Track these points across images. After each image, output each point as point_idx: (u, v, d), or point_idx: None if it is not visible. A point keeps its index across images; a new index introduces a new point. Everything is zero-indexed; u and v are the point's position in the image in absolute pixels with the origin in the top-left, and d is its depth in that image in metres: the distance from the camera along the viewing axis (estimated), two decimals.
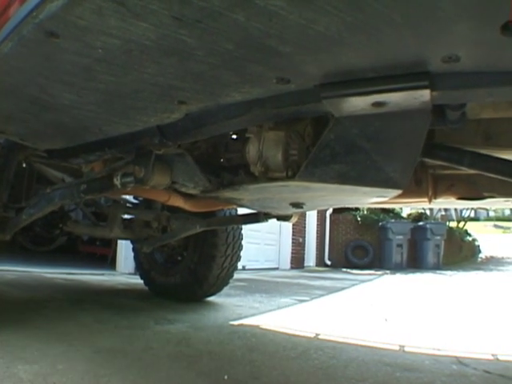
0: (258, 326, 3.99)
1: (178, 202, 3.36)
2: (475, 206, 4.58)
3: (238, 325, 4.03)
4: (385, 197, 2.38)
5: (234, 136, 2.80)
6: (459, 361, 3.06)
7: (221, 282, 5.06)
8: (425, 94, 1.74)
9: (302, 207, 2.74)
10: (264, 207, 3.16)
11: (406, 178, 2.10)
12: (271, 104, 1.98)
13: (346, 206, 3.55)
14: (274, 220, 3.64)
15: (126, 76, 1.79)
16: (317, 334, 3.70)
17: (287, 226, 14.49)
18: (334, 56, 1.59)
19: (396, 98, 1.80)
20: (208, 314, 4.47)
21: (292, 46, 1.50)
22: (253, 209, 3.37)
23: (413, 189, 3.03)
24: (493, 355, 3.27)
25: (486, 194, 3.36)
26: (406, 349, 3.37)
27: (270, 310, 4.99)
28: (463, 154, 2.59)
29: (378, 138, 2.02)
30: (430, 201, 3.28)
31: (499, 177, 2.64)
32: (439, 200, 3.45)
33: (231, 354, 3.00)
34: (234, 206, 3.73)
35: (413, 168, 2.11)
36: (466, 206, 13.11)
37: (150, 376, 2.47)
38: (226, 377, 2.50)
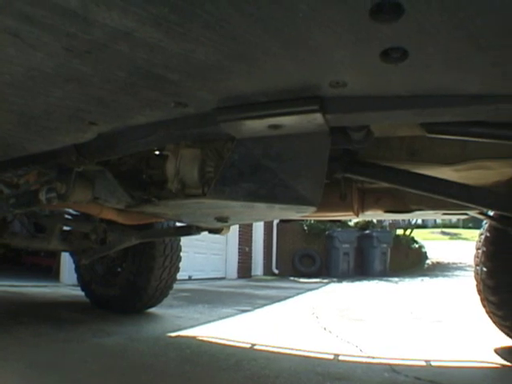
0: (194, 338, 3.98)
1: (110, 215, 3.35)
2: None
3: (175, 336, 4.01)
4: (303, 212, 2.42)
5: (157, 152, 2.82)
6: (392, 368, 3.09)
7: (160, 293, 5.04)
8: (317, 118, 1.83)
9: (226, 221, 2.79)
10: (190, 221, 3.20)
11: (317, 195, 2.17)
12: (175, 126, 2.08)
13: (270, 220, 3.59)
14: (229, 230, 3.68)
15: (35, 99, 1.89)
16: (253, 345, 3.71)
17: (233, 236, 14.52)
18: (221, 82, 1.69)
19: (290, 121, 1.89)
20: (146, 326, 4.45)
21: (178, 73, 1.61)
22: (181, 222, 3.41)
23: (338, 203, 3.08)
24: (426, 361, 3.31)
25: (413, 207, 3.42)
26: (341, 358, 3.39)
27: (210, 321, 4.97)
28: (385, 171, 2.67)
29: (281, 158, 2.11)
30: (357, 214, 3.34)
31: (420, 192, 2.72)
32: (368, 213, 3.52)
33: (164, 366, 2.99)
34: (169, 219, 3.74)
35: (322, 186, 2.18)
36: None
37: None
38: None
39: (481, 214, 3.49)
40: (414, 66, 1.48)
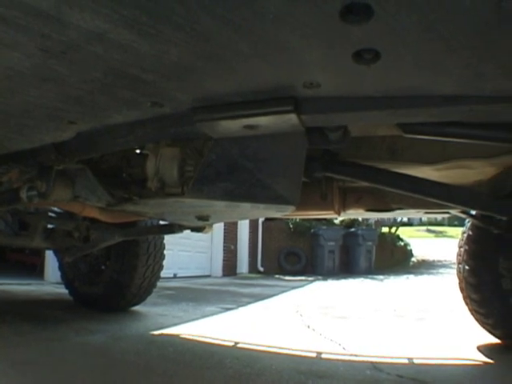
0: (178, 336, 3.98)
1: (92, 213, 3.34)
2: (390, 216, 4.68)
3: (159, 334, 4.01)
4: (283, 212, 2.43)
5: (138, 151, 2.82)
6: (374, 366, 3.09)
7: (143, 291, 5.04)
8: (292, 118, 1.85)
9: (207, 220, 2.80)
10: (172, 219, 3.21)
11: (295, 194, 2.19)
12: (152, 126, 2.10)
13: (251, 219, 3.61)
14: (211, 228, 3.69)
15: (13, 98, 1.90)
16: (236, 343, 3.71)
17: (219, 234, 14.50)
18: (196, 83, 1.71)
19: (265, 122, 1.90)
20: (130, 324, 4.43)
21: (153, 74, 1.62)
22: (163, 221, 3.41)
23: (319, 202, 3.09)
24: (408, 359, 3.33)
25: (394, 206, 3.43)
26: (324, 356, 3.39)
27: (194, 319, 4.96)
28: (365, 170, 2.68)
29: (258, 158, 2.12)
30: (338, 213, 3.35)
31: (400, 192, 2.73)
32: (349, 212, 3.53)
33: (147, 364, 2.99)
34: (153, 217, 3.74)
35: (299, 185, 2.20)
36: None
37: None
38: None
39: (463, 212, 3.51)
40: (387, 67, 1.50)
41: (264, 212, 2.63)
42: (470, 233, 3.74)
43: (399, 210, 3.51)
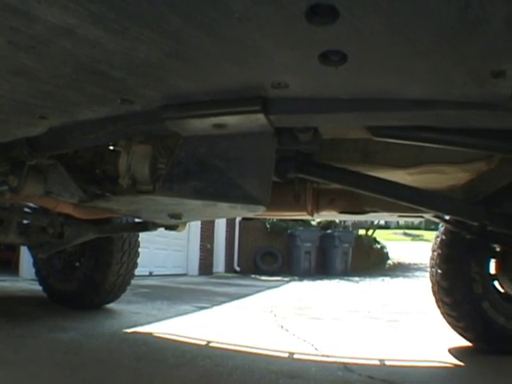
0: (151, 334, 3.97)
1: (66, 209, 3.32)
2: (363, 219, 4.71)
3: (132, 332, 4.00)
4: (254, 212, 2.44)
5: (112, 148, 2.81)
6: (346, 367, 3.11)
7: (118, 289, 5.02)
8: (260, 118, 1.85)
9: (180, 218, 2.80)
10: (145, 217, 3.21)
11: (265, 194, 2.20)
12: (122, 122, 2.10)
13: (226, 217, 3.62)
14: (185, 227, 3.69)
15: None
16: (208, 342, 3.71)
17: (195, 232, 14.50)
18: (164, 81, 1.71)
19: (233, 121, 1.91)
20: (103, 322, 4.42)
21: (122, 71, 1.62)
22: (137, 218, 3.41)
23: (292, 203, 3.09)
24: (380, 361, 3.34)
25: (367, 209, 3.45)
26: (296, 356, 3.40)
27: (168, 318, 4.96)
28: (338, 172, 2.69)
29: (228, 157, 2.13)
30: (311, 214, 3.36)
31: (372, 194, 2.75)
32: (322, 213, 3.54)
33: (118, 363, 2.98)
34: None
35: (269, 185, 2.21)
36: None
37: None
38: None
39: (436, 217, 3.54)
40: (354, 69, 1.51)
41: (235, 211, 2.63)
42: (443, 237, 3.77)
43: (373, 212, 3.53)
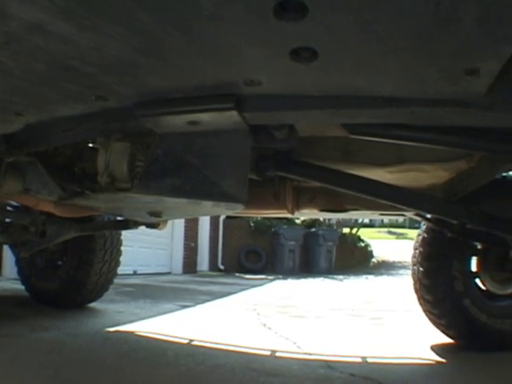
0: (133, 333, 3.97)
1: (47, 207, 3.30)
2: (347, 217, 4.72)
3: (114, 331, 3.99)
4: (232, 209, 2.45)
5: (91, 145, 2.81)
6: (328, 365, 3.11)
7: (100, 287, 5.01)
8: (234, 115, 1.87)
9: (160, 216, 2.79)
10: (125, 215, 3.21)
11: (242, 192, 2.20)
12: (98, 120, 2.10)
13: (205, 215, 3.61)
14: (166, 225, 3.69)
15: None
16: (191, 340, 3.70)
17: (179, 231, 14.47)
18: (137, 78, 1.72)
19: (207, 118, 1.93)
20: (86, 321, 4.40)
21: (95, 67, 1.63)
22: (116, 216, 3.40)
23: (271, 201, 3.09)
24: (362, 358, 3.35)
25: (348, 207, 3.46)
26: (278, 354, 3.40)
27: (151, 317, 4.94)
28: (317, 170, 2.69)
29: (204, 155, 2.14)
30: (292, 213, 3.36)
31: (352, 193, 2.75)
32: (303, 211, 3.54)
33: (100, 362, 2.98)
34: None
35: (246, 183, 2.21)
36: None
37: None
38: None
39: (418, 215, 3.56)
40: (325, 66, 1.52)
41: (214, 209, 2.63)
42: (425, 235, 3.79)
43: (354, 210, 3.54)
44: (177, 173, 2.18)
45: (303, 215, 3.98)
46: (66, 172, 2.81)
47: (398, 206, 2.92)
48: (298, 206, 3.49)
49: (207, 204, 2.31)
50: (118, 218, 4.01)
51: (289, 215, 3.50)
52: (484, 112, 1.82)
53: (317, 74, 1.60)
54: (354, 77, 1.64)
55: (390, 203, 2.86)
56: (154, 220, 3.19)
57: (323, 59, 1.46)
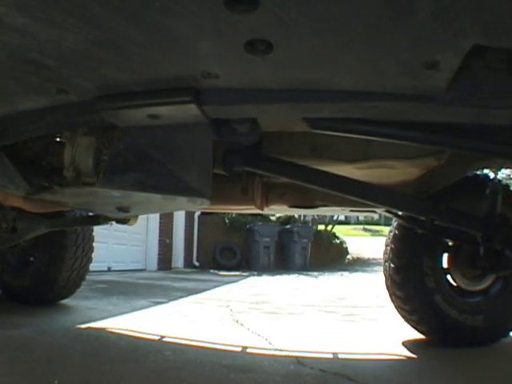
0: (104, 330, 3.95)
1: (16, 202, 3.27)
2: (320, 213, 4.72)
3: (85, 328, 3.96)
4: (198, 204, 2.44)
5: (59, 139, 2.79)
6: (298, 361, 3.12)
7: (72, 284, 4.97)
8: (193, 109, 1.87)
9: (128, 211, 2.78)
10: (94, 210, 3.19)
11: (206, 186, 2.20)
12: (61, 113, 2.08)
13: (173, 211, 3.61)
14: (141, 221, 3.67)
15: None
16: (161, 337, 3.70)
17: (154, 227, 14.44)
18: (95, 70, 1.71)
19: (167, 112, 1.93)
20: (58, 318, 4.37)
21: (54, 60, 1.61)
22: (86, 211, 3.38)
23: (239, 197, 3.09)
24: (333, 354, 3.36)
25: (318, 203, 3.46)
26: (249, 350, 3.41)
27: (123, 313, 4.93)
28: (285, 166, 2.69)
29: (167, 149, 2.14)
30: (261, 208, 3.36)
31: (321, 189, 2.76)
32: (273, 207, 3.54)
33: (69, 358, 2.96)
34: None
35: (210, 177, 2.22)
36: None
37: None
38: (56, 382, 2.45)
39: (389, 212, 3.58)
40: (281, 59, 1.52)
41: (181, 205, 2.64)
42: (396, 232, 3.82)
43: (324, 206, 3.55)
44: (141, 167, 2.18)
45: (272, 211, 3.98)
46: (34, 166, 2.78)
47: (366, 202, 2.93)
48: (267, 201, 3.49)
49: (174, 199, 2.31)
50: (89, 214, 3.99)
51: (259, 211, 3.49)
52: (445, 107, 1.83)
53: (274, 67, 1.60)
54: (311, 69, 1.64)
55: (358, 200, 2.87)
56: (123, 215, 3.18)
57: (279, 52, 1.46)
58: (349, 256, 24.46)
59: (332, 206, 3.49)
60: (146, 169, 2.17)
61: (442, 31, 1.32)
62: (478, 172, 3.78)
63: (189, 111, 1.90)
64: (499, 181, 3.79)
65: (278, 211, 4.47)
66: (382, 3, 1.20)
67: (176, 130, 2.08)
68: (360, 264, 22.44)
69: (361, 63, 1.55)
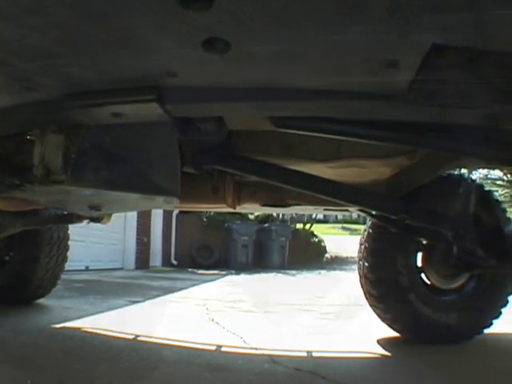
0: (79, 329, 3.93)
1: None
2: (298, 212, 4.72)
3: (60, 328, 3.95)
4: (168, 202, 2.45)
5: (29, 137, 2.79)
6: (273, 359, 3.12)
7: (47, 283, 4.95)
8: (155, 107, 1.88)
9: (100, 209, 2.78)
10: (66, 208, 3.17)
11: (174, 185, 2.20)
12: (29, 111, 2.08)
13: (144, 209, 3.60)
14: (118, 219, 3.68)
15: None
16: (136, 336, 3.70)
17: (132, 226, 14.36)
18: (59, 69, 1.70)
19: (130, 110, 1.94)
20: (33, 317, 4.36)
21: (17, 58, 1.61)
22: (59, 210, 3.36)
23: (210, 196, 3.09)
24: (308, 352, 3.38)
25: (291, 202, 3.47)
26: (223, 349, 3.41)
27: (99, 312, 4.92)
28: (255, 165, 2.69)
29: (134, 148, 2.15)
30: (233, 207, 3.36)
31: (292, 188, 2.77)
32: (245, 206, 3.54)
33: (44, 358, 2.95)
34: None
35: (177, 176, 2.23)
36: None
37: None
38: (29, 382, 2.44)
39: (362, 211, 3.59)
40: (239, 57, 1.53)
41: (150, 203, 2.64)
42: (370, 231, 3.84)
43: (296, 205, 3.56)
44: (109, 165, 2.18)
45: (244, 209, 3.97)
46: (6, 164, 2.77)
47: (337, 201, 2.95)
48: (239, 200, 3.48)
49: (142, 197, 2.31)
50: (64, 212, 3.97)
51: (229, 209, 3.49)
52: (409, 106, 1.84)
53: (233, 66, 1.61)
54: (271, 67, 1.65)
55: (329, 199, 2.89)
56: (95, 214, 3.17)
57: (236, 50, 1.47)
58: (327, 254, 24.47)
59: (304, 204, 3.50)
60: (115, 167, 2.18)
61: (400, 29, 1.34)
62: (453, 172, 3.81)
63: (152, 110, 1.91)
64: (473, 180, 3.83)
65: (250, 210, 4.47)
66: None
67: (141, 129, 2.09)
68: (338, 262, 22.46)
69: (322, 61, 1.56)
